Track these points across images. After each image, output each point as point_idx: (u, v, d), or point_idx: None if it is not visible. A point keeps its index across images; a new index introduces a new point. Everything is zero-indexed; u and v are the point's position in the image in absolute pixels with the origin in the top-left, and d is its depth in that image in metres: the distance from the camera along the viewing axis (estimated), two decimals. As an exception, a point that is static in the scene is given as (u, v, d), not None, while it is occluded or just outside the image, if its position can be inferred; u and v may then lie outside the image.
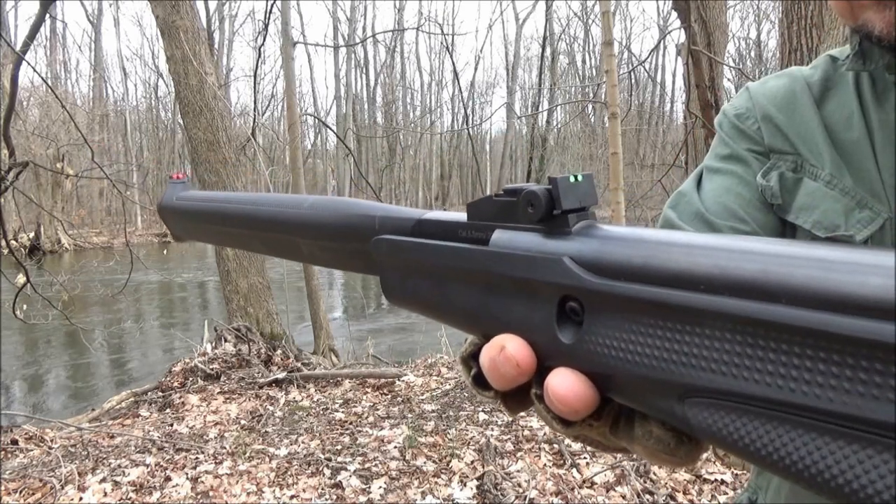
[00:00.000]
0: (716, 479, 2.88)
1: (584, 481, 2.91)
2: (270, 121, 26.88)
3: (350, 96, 32.51)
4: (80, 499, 2.90)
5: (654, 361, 0.28)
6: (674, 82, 28.62)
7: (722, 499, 2.75)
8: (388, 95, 33.42)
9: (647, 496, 2.75)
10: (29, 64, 5.46)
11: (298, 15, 30.84)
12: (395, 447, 3.37)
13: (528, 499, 2.75)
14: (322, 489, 2.96)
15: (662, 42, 23.77)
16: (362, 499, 2.86)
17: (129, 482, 3.05)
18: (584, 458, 3.12)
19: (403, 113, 35.18)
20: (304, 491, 2.96)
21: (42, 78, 15.57)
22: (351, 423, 3.86)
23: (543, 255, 0.33)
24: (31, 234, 18.99)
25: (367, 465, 3.17)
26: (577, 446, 3.21)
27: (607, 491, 2.82)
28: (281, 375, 4.86)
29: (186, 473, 3.16)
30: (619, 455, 2.19)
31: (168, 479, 3.10)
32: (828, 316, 0.22)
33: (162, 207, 0.64)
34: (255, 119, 8.70)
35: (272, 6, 6.49)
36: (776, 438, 0.24)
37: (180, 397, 4.61)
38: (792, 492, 0.69)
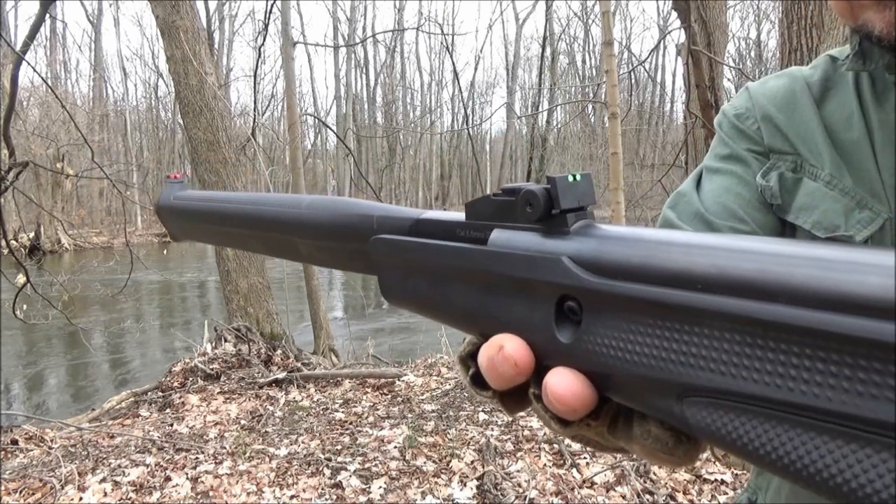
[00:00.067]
0: (716, 479, 2.88)
1: (584, 481, 2.91)
2: (270, 121, 26.91)
3: (350, 96, 32.51)
4: (80, 499, 2.90)
5: (652, 361, 0.28)
6: (674, 82, 28.65)
7: (722, 499, 2.75)
8: (388, 95, 33.43)
9: (647, 496, 2.75)
10: (29, 64, 5.46)
11: (298, 15, 30.88)
12: (395, 447, 3.37)
13: (528, 499, 2.75)
14: (322, 489, 2.96)
15: (662, 42, 23.78)
16: (362, 499, 2.86)
17: (129, 482, 3.05)
18: (584, 458, 3.12)
19: (403, 113, 35.18)
20: (304, 491, 2.96)
21: (42, 78, 15.59)
22: (351, 423, 3.86)
23: (542, 255, 0.33)
24: (31, 234, 18.99)
25: (367, 465, 3.17)
26: (576, 446, 3.21)
27: (607, 491, 2.82)
28: (281, 375, 4.86)
29: (186, 473, 3.15)
30: (618, 455, 2.19)
31: (168, 479, 3.10)
32: (826, 315, 0.22)
33: (159, 207, 0.64)
34: (255, 119, 8.70)
35: (272, 6, 6.49)
36: (774, 437, 0.24)
37: (180, 397, 4.62)
38: (792, 492, 0.69)
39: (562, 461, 3.12)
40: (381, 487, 2.94)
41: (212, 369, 5.07)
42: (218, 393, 4.64)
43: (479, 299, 0.36)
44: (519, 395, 0.36)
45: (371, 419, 3.91)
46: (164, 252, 19.12)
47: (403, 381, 4.68)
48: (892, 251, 0.23)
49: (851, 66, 0.62)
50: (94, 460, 3.34)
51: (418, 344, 7.30)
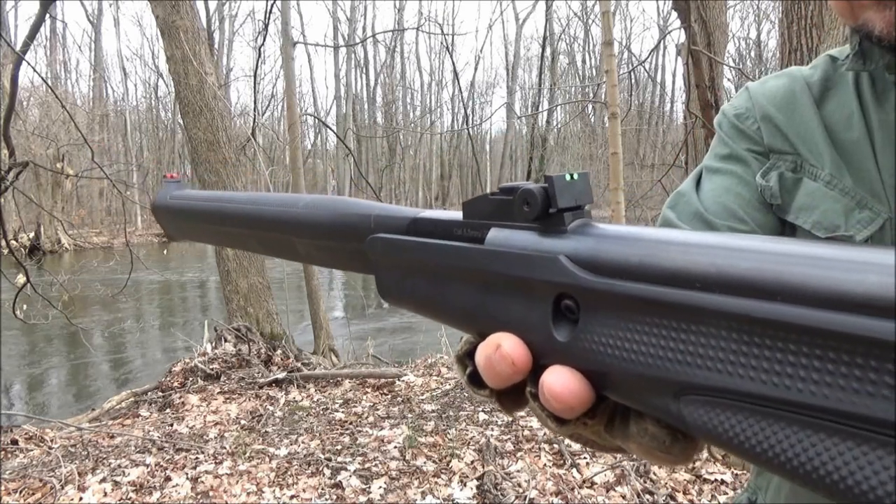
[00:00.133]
0: (716, 479, 2.88)
1: (584, 481, 2.90)
2: (270, 121, 26.91)
3: (350, 96, 32.52)
4: (80, 499, 2.90)
5: (649, 359, 0.28)
6: (674, 82, 28.65)
7: (722, 499, 2.75)
8: (388, 95, 33.43)
9: (647, 496, 2.75)
10: (29, 64, 5.46)
11: (298, 15, 30.88)
12: (395, 447, 3.37)
13: (528, 499, 2.75)
14: (322, 489, 2.96)
15: (662, 42, 23.78)
16: (362, 499, 2.86)
17: (129, 482, 3.05)
18: (584, 458, 3.12)
19: (403, 113, 35.19)
20: (304, 491, 2.96)
21: (42, 78, 15.61)
22: (351, 423, 3.86)
23: (539, 254, 0.32)
24: (31, 234, 18.99)
25: (367, 465, 3.17)
26: (577, 446, 3.21)
27: (607, 491, 2.82)
28: (281, 375, 4.86)
29: (186, 473, 3.16)
30: (618, 455, 2.19)
31: (168, 479, 3.10)
32: (825, 313, 0.22)
33: (156, 207, 0.64)
34: (255, 119, 8.71)
35: (272, 6, 6.49)
36: (771, 435, 0.24)
37: (180, 397, 4.62)
38: (792, 491, 0.69)
39: (562, 461, 3.12)
40: (381, 487, 2.94)
41: (212, 369, 5.07)
42: (218, 393, 4.64)
43: (476, 298, 0.36)
44: (516, 393, 0.36)
45: (371, 419, 3.91)
46: (165, 252, 19.12)
47: (403, 381, 4.68)
48: (890, 250, 0.23)
49: (851, 66, 0.62)
50: (94, 460, 3.34)
51: (418, 344, 7.30)
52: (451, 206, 31.48)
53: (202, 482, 3.06)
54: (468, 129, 11.88)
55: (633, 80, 20.78)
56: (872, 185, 0.61)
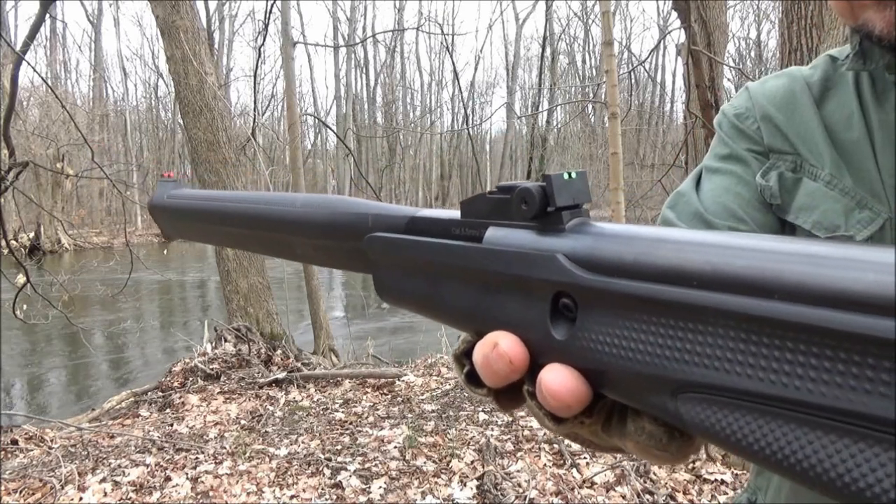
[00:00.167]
0: (716, 479, 2.88)
1: (584, 481, 2.90)
2: (270, 121, 26.91)
3: (350, 96, 32.52)
4: (80, 499, 2.90)
5: (646, 357, 0.28)
6: (674, 82, 28.65)
7: (722, 499, 2.75)
8: (388, 95, 33.43)
9: (647, 496, 2.75)
10: (29, 64, 5.46)
11: (298, 15, 30.88)
12: (395, 447, 3.37)
13: (528, 499, 2.74)
14: (322, 489, 2.96)
15: (662, 42, 23.78)
16: (362, 499, 2.86)
17: (129, 482, 3.05)
18: (584, 458, 3.12)
19: (403, 113, 35.19)
20: (304, 491, 2.96)
21: (42, 78, 15.62)
22: (351, 423, 3.86)
23: (537, 252, 0.32)
24: (31, 234, 19.00)
25: (367, 465, 3.17)
26: (576, 446, 3.21)
27: (607, 491, 2.82)
28: (281, 375, 4.86)
29: (186, 473, 3.16)
30: (618, 455, 2.19)
31: (168, 479, 3.10)
32: (823, 311, 0.22)
33: (153, 206, 0.64)
34: (255, 119, 8.70)
35: (272, 6, 6.49)
36: (769, 433, 0.24)
37: (180, 397, 4.62)
38: (792, 491, 0.69)
39: (562, 461, 3.12)
40: (381, 487, 2.94)
41: (212, 369, 5.07)
42: (218, 393, 4.64)
43: (474, 297, 0.36)
44: (514, 392, 0.36)
45: (371, 419, 3.91)
46: (165, 252, 19.12)
47: (403, 381, 4.68)
48: (889, 248, 0.23)
49: (851, 66, 0.62)
50: (94, 460, 3.34)
51: (418, 344, 7.30)
52: (451, 205, 31.31)
53: (202, 482, 3.06)
54: (468, 129, 11.89)
55: (633, 80, 20.79)
56: (872, 185, 0.61)
